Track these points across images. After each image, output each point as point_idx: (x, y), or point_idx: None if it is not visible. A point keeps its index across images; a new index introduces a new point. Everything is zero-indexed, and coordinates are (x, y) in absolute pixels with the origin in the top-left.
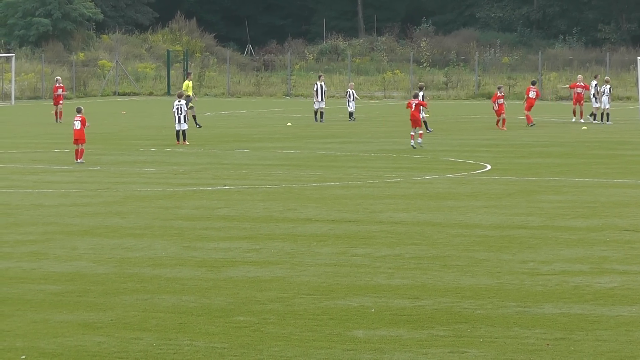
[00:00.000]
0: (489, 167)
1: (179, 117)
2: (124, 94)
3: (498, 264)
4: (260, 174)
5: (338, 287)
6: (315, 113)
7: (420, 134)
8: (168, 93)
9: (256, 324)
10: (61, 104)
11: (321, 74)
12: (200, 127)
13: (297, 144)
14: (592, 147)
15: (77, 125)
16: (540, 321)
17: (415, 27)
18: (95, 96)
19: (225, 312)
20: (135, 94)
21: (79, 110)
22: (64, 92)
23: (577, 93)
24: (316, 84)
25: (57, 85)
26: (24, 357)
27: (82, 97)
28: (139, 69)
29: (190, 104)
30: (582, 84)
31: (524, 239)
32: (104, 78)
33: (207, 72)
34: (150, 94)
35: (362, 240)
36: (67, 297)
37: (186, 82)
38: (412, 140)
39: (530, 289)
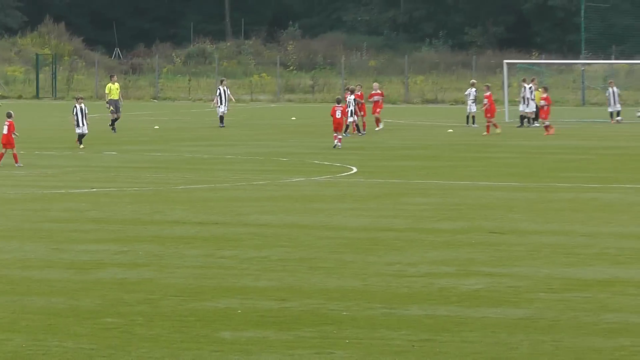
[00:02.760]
0: (355, 169)
1: (77, 120)
2: None
3: (364, 265)
4: (128, 176)
5: (205, 289)
6: (221, 118)
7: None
8: (37, 96)
9: (124, 326)
10: None
11: (223, 78)
12: (114, 132)
13: (165, 146)
14: (457, 150)
15: (5, 130)
16: (406, 322)
17: (282, 30)
18: None
19: (93, 313)
20: (4, 97)
21: (9, 115)
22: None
23: (375, 102)
24: (219, 88)
25: None
26: None
27: None
28: (7, 73)
29: (110, 107)
30: (378, 91)
31: (390, 241)
32: None
33: (75, 76)
34: (19, 97)
35: (229, 243)
36: None
37: (109, 84)
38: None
39: (396, 291)
